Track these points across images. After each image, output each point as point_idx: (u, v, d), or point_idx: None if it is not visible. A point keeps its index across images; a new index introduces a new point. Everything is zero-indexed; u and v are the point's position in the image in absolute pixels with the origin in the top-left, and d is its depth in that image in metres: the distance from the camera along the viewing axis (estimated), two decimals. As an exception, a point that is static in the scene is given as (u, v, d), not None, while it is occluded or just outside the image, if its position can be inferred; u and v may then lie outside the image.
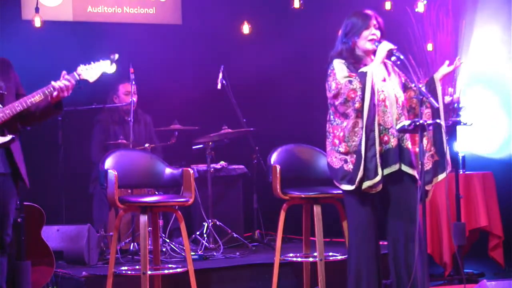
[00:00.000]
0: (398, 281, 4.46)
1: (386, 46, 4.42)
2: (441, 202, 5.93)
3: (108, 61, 4.64)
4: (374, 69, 4.38)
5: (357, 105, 4.35)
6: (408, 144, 4.43)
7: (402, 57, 4.37)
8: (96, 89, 6.84)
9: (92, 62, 4.63)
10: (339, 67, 4.43)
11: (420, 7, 6.98)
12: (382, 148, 4.38)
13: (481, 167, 6.42)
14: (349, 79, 4.36)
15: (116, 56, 4.68)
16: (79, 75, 4.48)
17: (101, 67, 4.58)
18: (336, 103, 4.40)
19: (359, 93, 4.34)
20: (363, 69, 4.39)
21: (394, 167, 4.41)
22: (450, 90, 6.34)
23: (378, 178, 4.34)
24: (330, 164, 4.50)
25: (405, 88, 4.54)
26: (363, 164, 4.33)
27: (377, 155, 4.34)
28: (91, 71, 4.53)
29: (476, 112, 6.66)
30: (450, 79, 6.40)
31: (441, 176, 4.52)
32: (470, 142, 6.76)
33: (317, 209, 5.13)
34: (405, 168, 4.42)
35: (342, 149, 4.41)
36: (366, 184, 4.36)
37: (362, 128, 4.36)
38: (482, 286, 4.82)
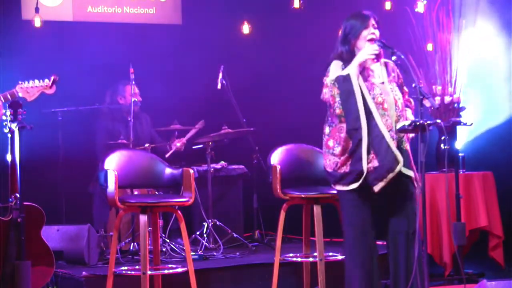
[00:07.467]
0: (396, 281, 4.46)
1: (368, 50, 4.39)
2: (441, 202, 5.93)
3: (48, 82, 4.57)
4: (352, 71, 4.33)
5: (337, 111, 4.35)
6: (407, 146, 4.42)
7: (402, 56, 4.36)
8: (97, 89, 6.94)
9: (31, 81, 4.56)
10: (333, 69, 4.41)
11: (420, 7, 6.97)
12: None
13: (481, 166, 6.41)
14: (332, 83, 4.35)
15: (57, 78, 4.61)
16: (17, 93, 4.42)
17: (40, 87, 4.52)
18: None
19: (337, 99, 4.34)
20: (342, 72, 4.35)
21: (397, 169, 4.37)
22: (450, 90, 6.33)
23: (391, 174, 4.31)
24: (324, 166, 4.50)
25: (402, 88, 4.54)
26: (363, 165, 4.31)
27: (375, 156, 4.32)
28: (30, 90, 4.48)
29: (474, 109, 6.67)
30: (449, 79, 6.40)
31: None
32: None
33: (317, 209, 5.13)
34: (403, 169, 4.39)
35: (336, 152, 4.40)
36: (378, 186, 4.33)
37: (348, 131, 4.34)
38: (482, 286, 4.82)
